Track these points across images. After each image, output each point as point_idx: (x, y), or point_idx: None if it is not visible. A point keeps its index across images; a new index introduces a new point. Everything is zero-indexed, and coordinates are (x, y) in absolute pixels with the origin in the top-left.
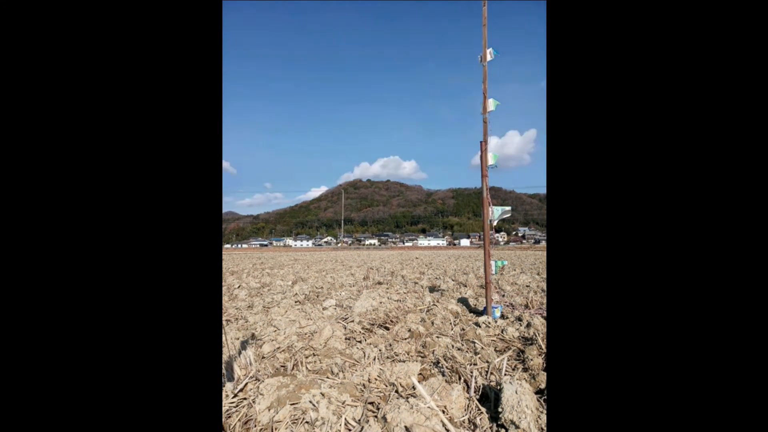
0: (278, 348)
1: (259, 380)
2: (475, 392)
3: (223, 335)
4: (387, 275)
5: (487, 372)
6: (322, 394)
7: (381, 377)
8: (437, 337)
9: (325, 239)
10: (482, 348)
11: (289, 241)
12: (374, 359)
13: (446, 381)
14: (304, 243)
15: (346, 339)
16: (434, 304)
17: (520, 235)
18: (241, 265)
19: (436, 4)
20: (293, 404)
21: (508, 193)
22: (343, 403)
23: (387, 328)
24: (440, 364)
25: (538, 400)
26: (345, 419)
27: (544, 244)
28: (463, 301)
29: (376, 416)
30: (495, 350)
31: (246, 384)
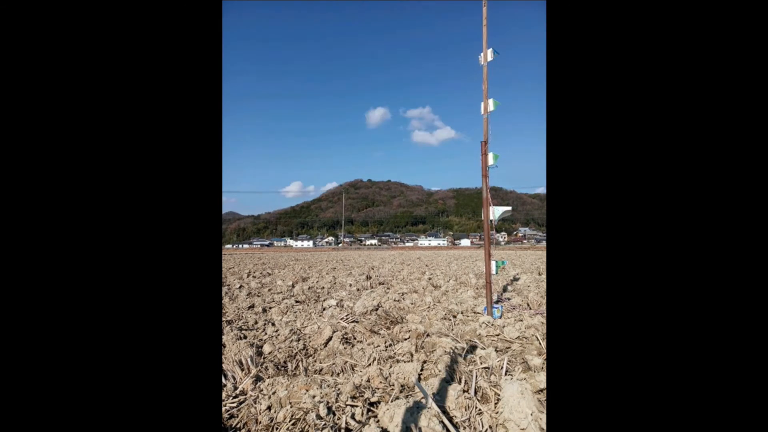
0: (279, 348)
1: (259, 380)
2: (475, 392)
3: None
4: (388, 275)
5: (487, 372)
6: (323, 394)
7: (381, 377)
8: (438, 337)
9: (326, 239)
10: (482, 348)
11: (290, 242)
12: (374, 359)
13: (446, 381)
14: (305, 243)
15: (346, 339)
16: (435, 304)
17: (520, 235)
18: (242, 265)
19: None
20: (294, 404)
21: (508, 193)
22: (343, 403)
23: (387, 328)
24: (440, 364)
25: (539, 400)
26: (345, 419)
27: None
28: (463, 301)
29: (376, 416)
30: (495, 350)
31: (246, 384)
